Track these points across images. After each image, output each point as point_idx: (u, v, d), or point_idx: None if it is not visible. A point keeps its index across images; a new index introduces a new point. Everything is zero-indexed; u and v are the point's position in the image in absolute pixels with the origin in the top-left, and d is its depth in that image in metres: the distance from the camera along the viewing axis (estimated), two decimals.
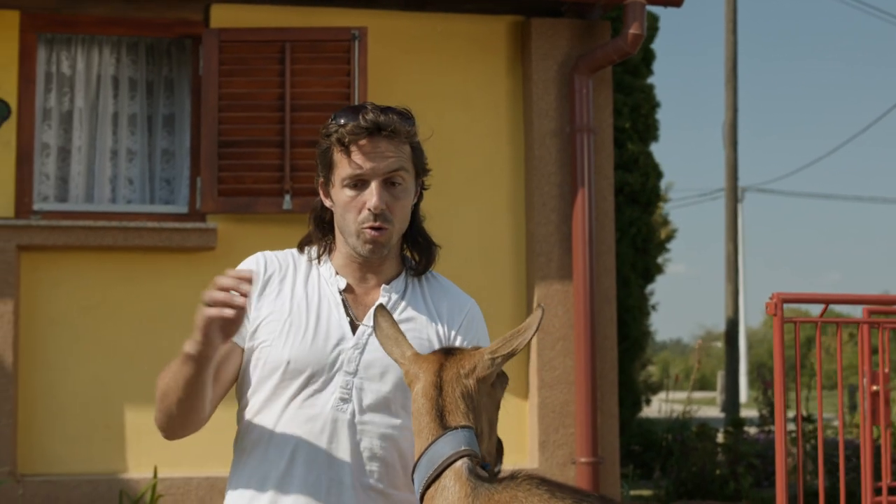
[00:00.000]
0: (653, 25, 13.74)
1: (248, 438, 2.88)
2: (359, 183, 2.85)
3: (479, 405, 2.48)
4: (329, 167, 2.89)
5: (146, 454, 7.16)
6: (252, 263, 2.95)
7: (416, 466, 2.39)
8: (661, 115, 13.55)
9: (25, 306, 7.20)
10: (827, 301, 5.55)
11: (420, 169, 3.01)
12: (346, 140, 2.82)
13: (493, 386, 2.55)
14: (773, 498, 9.00)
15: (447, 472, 2.29)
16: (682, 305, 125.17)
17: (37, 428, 7.19)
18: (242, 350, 2.89)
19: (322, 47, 7.39)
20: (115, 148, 7.72)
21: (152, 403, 7.69)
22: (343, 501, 2.77)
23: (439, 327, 2.95)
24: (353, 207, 2.86)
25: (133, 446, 7.21)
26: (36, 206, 7.36)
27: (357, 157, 2.83)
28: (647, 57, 13.64)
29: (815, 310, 5.90)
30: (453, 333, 2.97)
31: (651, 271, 13.59)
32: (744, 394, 30.19)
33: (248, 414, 2.88)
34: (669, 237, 22.24)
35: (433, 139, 7.69)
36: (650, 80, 13.81)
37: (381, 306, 2.75)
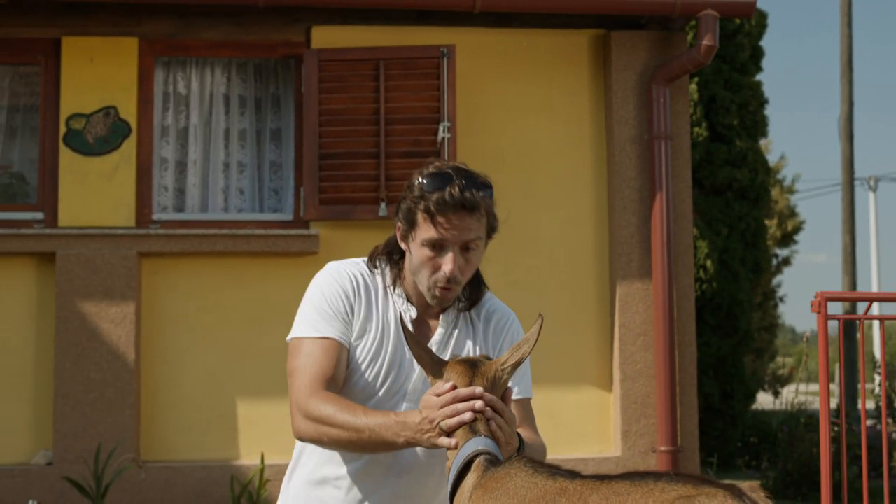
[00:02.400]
0: (761, 23, 13.85)
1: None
2: (437, 246, 3.10)
3: None
4: (411, 224, 3.13)
5: (255, 442, 7.62)
6: (345, 282, 3.24)
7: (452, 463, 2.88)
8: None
9: (146, 308, 7.71)
10: (871, 299, 5.84)
11: (491, 231, 3.20)
12: (433, 209, 3.06)
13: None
14: (880, 489, 9.20)
15: (471, 466, 2.80)
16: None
17: (157, 419, 7.67)
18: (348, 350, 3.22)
19: (413, 64, 7.79)
20: (227, 161, 8.19)
21: (260, 395, 8.20)
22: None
23: (487, 345, 3.32)
24: (429, 266, 3.12)
25: (243, 435, 7.66)
26: (155, 216, 7.85)
27: (441, 227, 3.07)
28: (756, 54, 13.70)
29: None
30: (500, 348, 3.32)
31: (761, 265, 13.65)
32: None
33: None
34: (797, 229, 22.10)
35: (521, 147, 8.16)
36: (759, 76, 13.92)
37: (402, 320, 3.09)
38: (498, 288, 7.81)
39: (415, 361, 3.14)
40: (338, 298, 3.21)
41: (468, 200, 3.04)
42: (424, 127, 7.77)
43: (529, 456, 2.77)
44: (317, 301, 3.22)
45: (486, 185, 3.12)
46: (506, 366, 2.93)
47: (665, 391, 7.70)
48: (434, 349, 3.18)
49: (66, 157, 7.73)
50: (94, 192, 7.72)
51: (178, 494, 7.48)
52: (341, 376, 3.17)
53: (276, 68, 8.26)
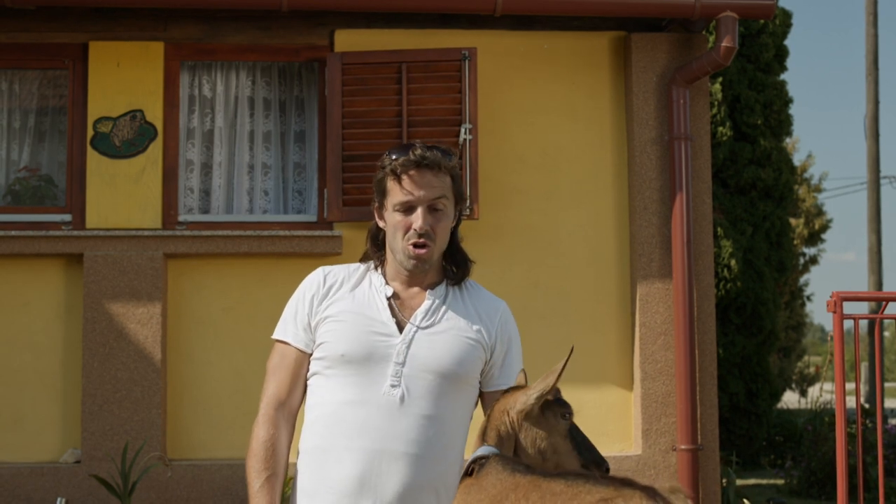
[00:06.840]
0: (786, 22, 13.88)
1: (313, 415, 3.46)
2: (407, 208, 3.41)
3: (520, 430, 3.12)
4: (383, 193, 3.46)
5: None
6: (316, 276, 3.59)
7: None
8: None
9: (172, 308, 7.80)
10: (887, 299, 5.91)
11: (459, 197, 3.52)
12: (398, 171, 3.39)
13: (543, 415, 3.14)
14: None
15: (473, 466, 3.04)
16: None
17: (183, 417, 7.77)
18: (310, 354, 3.50)
19: (435, 67, 7.85)
20: (252, 163, 8.27)
21: None
22: (392, 468, 3.32)
23: (478, 326, 3.50)
24: (401, 227, 3.41)
25: None
26: (181, 218, 7.94)
27: (407, 186, 3.39)
28: (781, 54, 13.74)
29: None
30: (492, 332, 3.52)
31: (786, 264, 13.69)
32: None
33: (313, 395, 3.48)
34: (824, 227, 22.07)
35: (543, 148, 8.23)
36: (783, 76, 13.94)
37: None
38: (520, 288, 7.94)
39: (394, 330, 3.41)
40: (304, 299, 3.54)
41: (428, 158, 3.38)
42: (446, 129, 7.83)
43: (508, 456, 2.96)
44: (291, 302, 3.60)
45: (447, 153, 3.46)
46: (531, 393, 3.12)
47: (685, 390, 7.75)
48: (420, 318, 3.44)
49: (94, 159, 7.83)
50: (121, 195, 7.82)
51: (203, 492, 7.58)
52: (299, 389, 3.52)
53: (300, 71, 8.34)
